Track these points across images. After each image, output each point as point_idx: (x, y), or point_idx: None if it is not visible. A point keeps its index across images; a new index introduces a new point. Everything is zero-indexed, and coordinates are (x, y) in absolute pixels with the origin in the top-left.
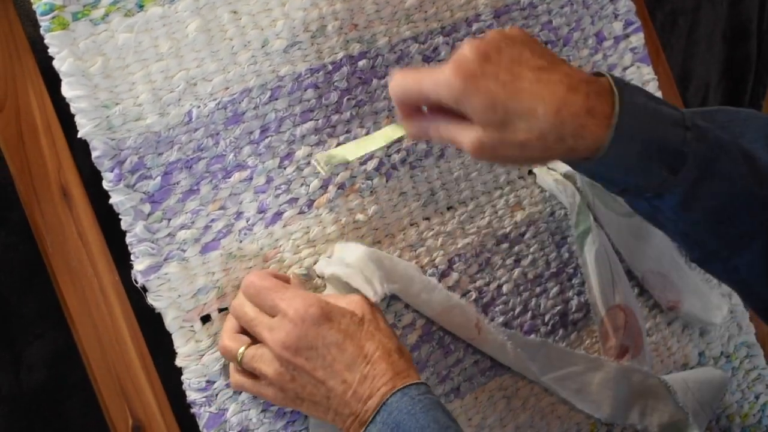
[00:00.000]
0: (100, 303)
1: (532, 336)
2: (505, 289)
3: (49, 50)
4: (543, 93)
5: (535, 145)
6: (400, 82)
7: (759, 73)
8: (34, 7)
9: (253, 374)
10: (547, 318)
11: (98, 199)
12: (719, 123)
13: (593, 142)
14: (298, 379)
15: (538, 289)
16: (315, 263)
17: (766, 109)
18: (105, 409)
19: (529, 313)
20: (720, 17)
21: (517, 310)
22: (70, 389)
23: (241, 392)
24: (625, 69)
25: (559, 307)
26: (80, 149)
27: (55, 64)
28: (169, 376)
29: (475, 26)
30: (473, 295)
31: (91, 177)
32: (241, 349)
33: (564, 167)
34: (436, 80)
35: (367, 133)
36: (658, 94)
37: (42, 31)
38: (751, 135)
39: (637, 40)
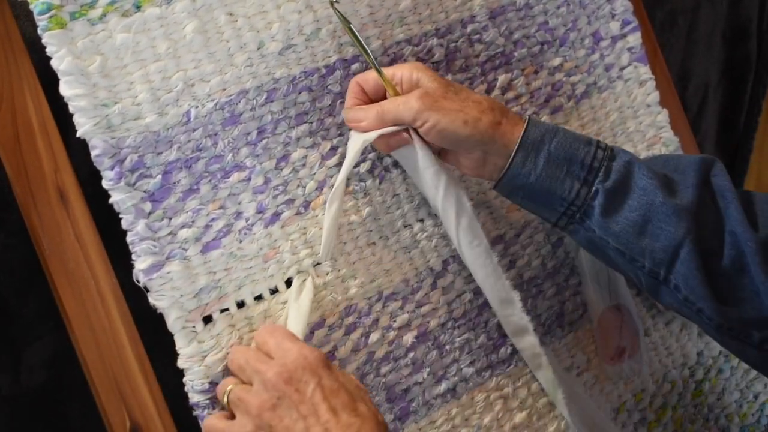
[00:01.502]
0: (97, 305)
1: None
2: None
3: (46, 49)
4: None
5: (471, 107)
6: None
7: (759, 73)
8: (31, 6)
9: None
10: (543, 319)
11: (95, 201)
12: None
13: (515, 135)
14: (278, 409)
15: (534, 290)
16: (314, 264)
17: (766, 109)
18: (103, 411)
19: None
20: (720, 17)
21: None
22: (70, 390)
23: None
24: (622, 69)
25: (555, 308)
26: (77, 151)
27: (53, 63)
28: (167, 377)
29: (470, 27)
30: (468, 296)
31: (87, 179)
32: (230, 386)
33: None
34: (398, 67)
35: None
36: (656, 93)
37: (39, 31)
38: (683, 167)
39: (635, 39)
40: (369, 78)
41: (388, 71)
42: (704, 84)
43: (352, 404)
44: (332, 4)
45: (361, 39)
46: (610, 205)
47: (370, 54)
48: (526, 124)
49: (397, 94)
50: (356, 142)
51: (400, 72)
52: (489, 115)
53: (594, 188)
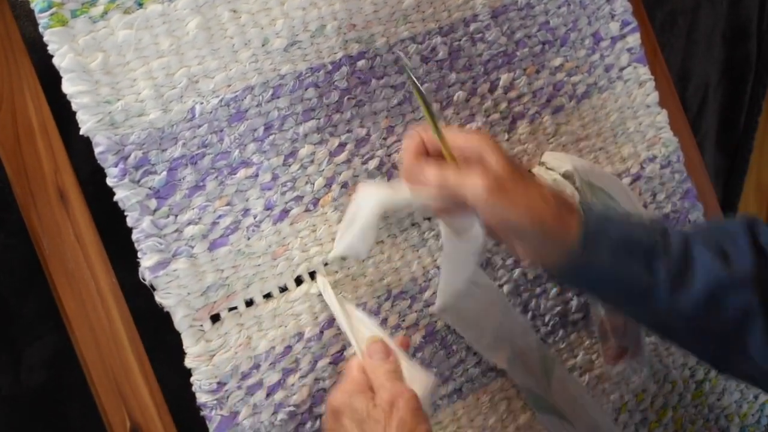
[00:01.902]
0: (97, 305)
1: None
2: (505, 289)
3: (48, 47)
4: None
5: (535, 197)
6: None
7: (759, 73)
8: (32, 5)
9: None
10: (547, 318)
11: (95, 201)
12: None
13: (575, 227)
14: None
15: (538, 290)
16: (323, 262)
17: (766, 109)
18: (102, 411)
19: (530, 314)
20: (720, 17)
21: (517, 310)
22: (70, 390)
23: (253, 394)
24: (621, 69)
25: (558, 308)
26: (77, 151)
27: (55, 60)
28: (167, 377)
29: (472, 26)
30: None
31: (87, 179)
32: None
33: (563, 167)
34: (465, 136)
35: (367, 134)
36: (655, 93)
37: (41, 29)
38: (731, 234)
39: (634, 40)
40: (431, 134)
41: (454, 137)
42: (704, 84)
43: None
44: (405, 66)
45: (429, 103)
46: (675, 283)
47: (437, 120)
48: (582, 213)
49: (453, 160)
50: (406, 192)
51: (463, 140)
52: (552, 206)
53: (656, 269)
